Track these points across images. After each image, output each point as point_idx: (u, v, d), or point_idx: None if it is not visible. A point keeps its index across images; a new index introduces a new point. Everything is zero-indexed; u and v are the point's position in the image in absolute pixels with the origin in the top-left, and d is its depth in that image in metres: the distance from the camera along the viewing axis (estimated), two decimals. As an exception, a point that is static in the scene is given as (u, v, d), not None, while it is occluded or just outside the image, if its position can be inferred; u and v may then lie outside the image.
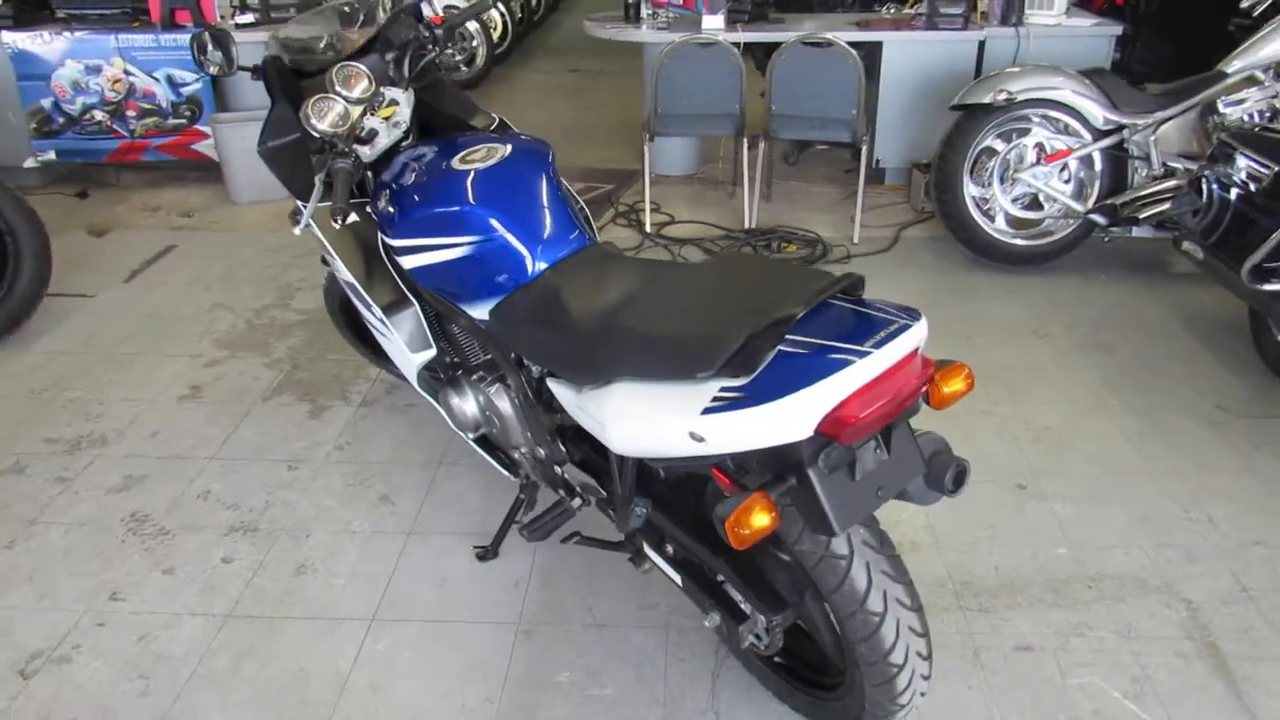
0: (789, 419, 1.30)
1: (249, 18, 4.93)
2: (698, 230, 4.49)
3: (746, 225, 4.43)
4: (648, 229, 4.46)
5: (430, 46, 2.34)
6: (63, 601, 2.25)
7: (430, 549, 2.41)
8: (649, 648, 2.10)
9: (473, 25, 7.33)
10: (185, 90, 4.85)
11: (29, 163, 4.91)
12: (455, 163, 2.04)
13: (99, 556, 2.39)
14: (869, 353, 1.31)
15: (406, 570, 2.34)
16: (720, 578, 1.80)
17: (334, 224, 1.98)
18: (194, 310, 3.67)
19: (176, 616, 2.20)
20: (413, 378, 2.30)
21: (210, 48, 2.26)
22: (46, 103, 4.81)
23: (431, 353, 2.21)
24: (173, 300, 3.78)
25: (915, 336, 1.38)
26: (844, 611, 1.55)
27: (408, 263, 2.05)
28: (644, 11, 4.94)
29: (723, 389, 1.38)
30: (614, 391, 1.56)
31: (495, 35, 8.23)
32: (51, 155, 4.92)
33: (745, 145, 4.49)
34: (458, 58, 7.34)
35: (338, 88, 2.09)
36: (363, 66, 2.16)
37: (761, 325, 1.37)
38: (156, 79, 4.80)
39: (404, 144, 2.27)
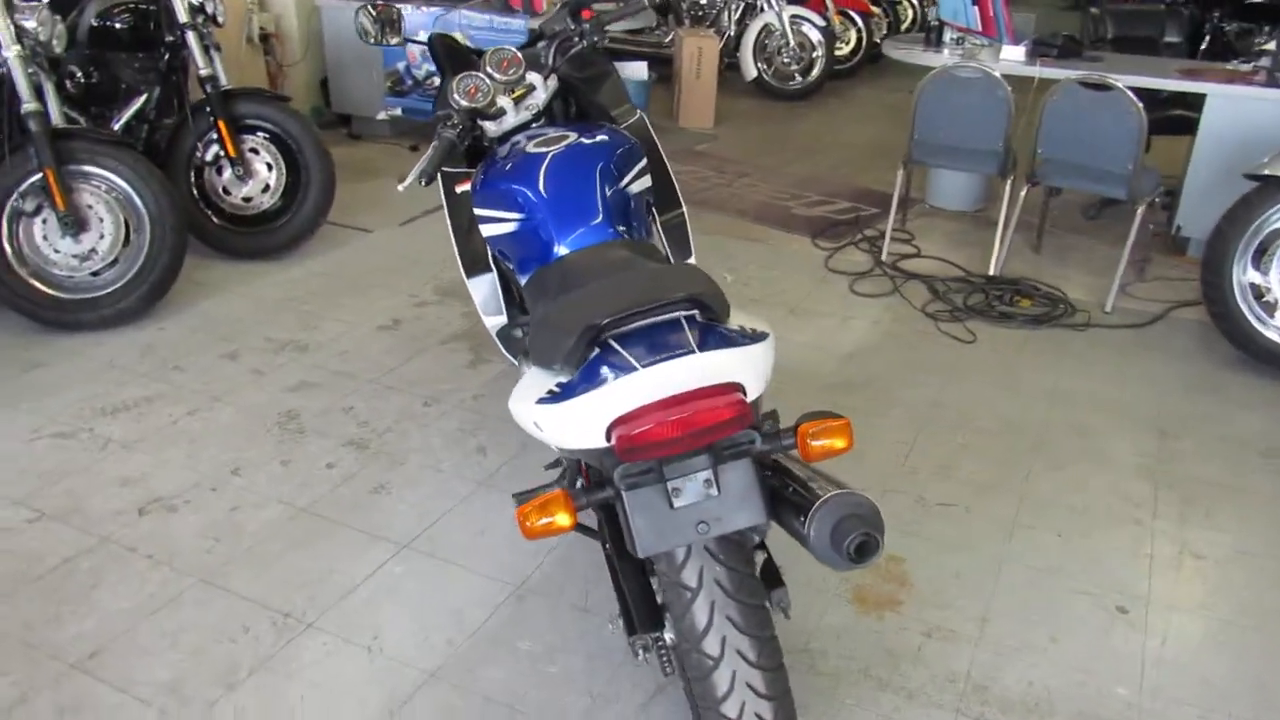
0: (572, 423, 1.29)
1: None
2: (935, 267, 4.24)
3: (990, 271, 4.11)
4: (883, 257, 4.29)
5: (577, 39, 2.49)
6: (200, 465, 2.71)
7: (489, 502, 2.59)
8: (614, 644, 2.12)
9: (814, 35, 7.36)
10: (507, 68, 5.42)
11: (380, 115, 5.76)
12: (531, 146, 2.17)
13: (246, 437, 2.84)
14: (637, 369, 1.26)
15: (458, 514, 2.54)
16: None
17: (419, 184, 2.21)
18: (436, 258, 4.14)
19: (266, 500, 2.57)
20: (494, 338, 2.48)
21: (373, 20, 2.56)
22: (401, 66, 5.61)
23: (501, 319, 2.38)
24: (426, 247, 4.29)
25: (711, 364, 1.27)
26: (683, 645, 1.49)
27: (484, 230, 2.22)
28: (946, 36, 4.71)
29: (558, 382, 1.39)
30: (526, 374, 1.62)
31: (848, 49, 8.20)
32: (398, 111, 5.74)
33: (1009, 187, 4.15)
34: (793, 66, 7.41)
35: (489, 68, 2.32)
36: (517, 52, 2.37)
37: (598, 320, 1.35)
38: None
39: (533, 125, 2.43)
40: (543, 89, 2.40)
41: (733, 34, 7.52)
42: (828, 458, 1.41)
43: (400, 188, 2.37)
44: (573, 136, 2.18)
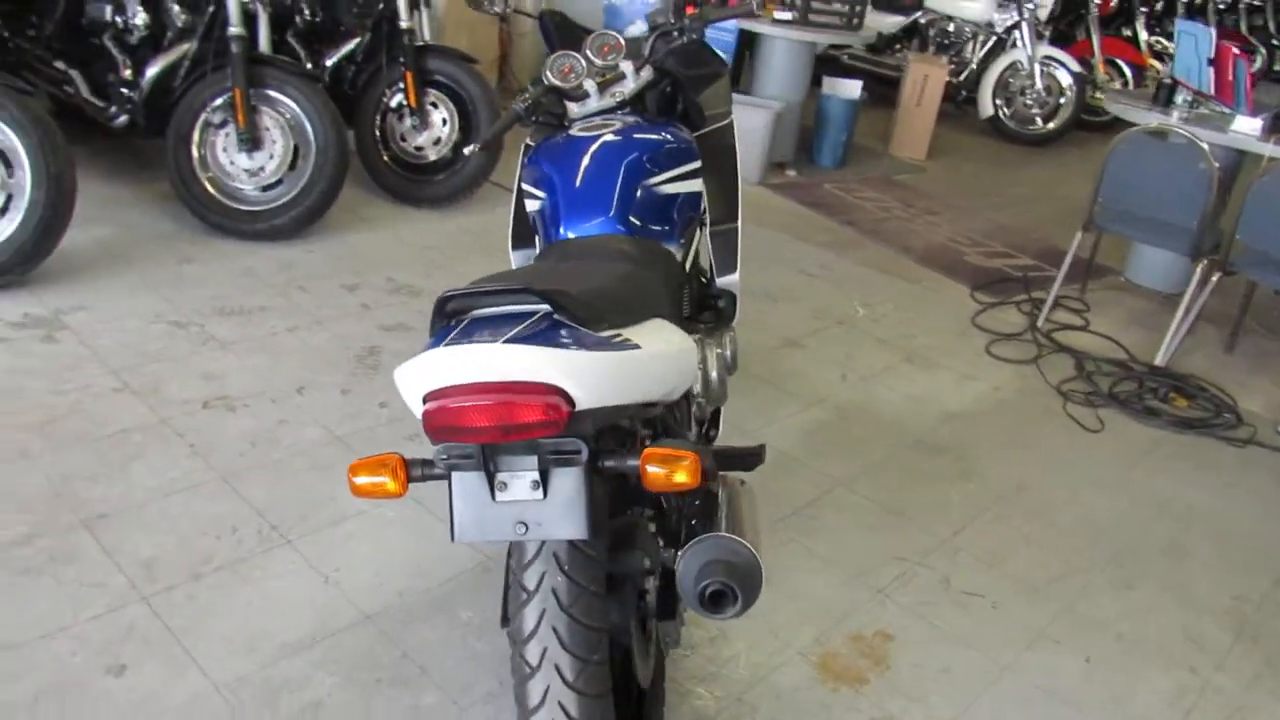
0: (401, 386, 1.26)
1: (788, 15, 5.29)
2: (1097, 345, 3.83)
3: (1156, 361, 3.67)
4: (1039, 323, 3.93)
5: (677, 34, 2.45)
6: (273, 377, 2.91)
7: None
8: (550, 638, 2.09)
9: (1065, 80, 6.82)
10: (714, 65, 5.41)
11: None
12: (578, 130, 2.16)
13: (325, 361, 3.02)
14: (440, 346, 1.21)
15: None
16: None
17: (476, 150, 2.28)
18: (579, 235, 4.21)
19: (312, 421, 2.73)
20: None
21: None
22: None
23: None
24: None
25: (512, 359, 1.19)
26: (511, 644, 1.44)
27: (526, 205, 2.24)
28: (1178, 97, 4.23)
29: None
30: None
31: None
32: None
33: (1199, 272, 3.68)
34: (1035, 110, 6.91)
35: (588, 50, 2.34)
36: (620, 39, 2.38)
37: (449, 293, 1.31)
38: (695, 49, 5.43)
39: (618, 112, 2.42)
40: (632, 78, 2.36)
41: (975, 67, 7.10)
42: (668, 489, 1.31)
43: (466, 151, 2.44)
44: (619, 126, 2.15)
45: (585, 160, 2.04)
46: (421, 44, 4.19)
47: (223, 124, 3.69)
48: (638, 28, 3.04)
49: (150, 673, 1.88)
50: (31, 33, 3.87)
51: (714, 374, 2.20)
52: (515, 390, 1.20)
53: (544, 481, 1.31)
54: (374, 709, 1.88)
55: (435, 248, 3.94)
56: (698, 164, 2.23)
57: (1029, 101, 6.91)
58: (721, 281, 2.36)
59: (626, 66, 2.34)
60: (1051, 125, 6.96)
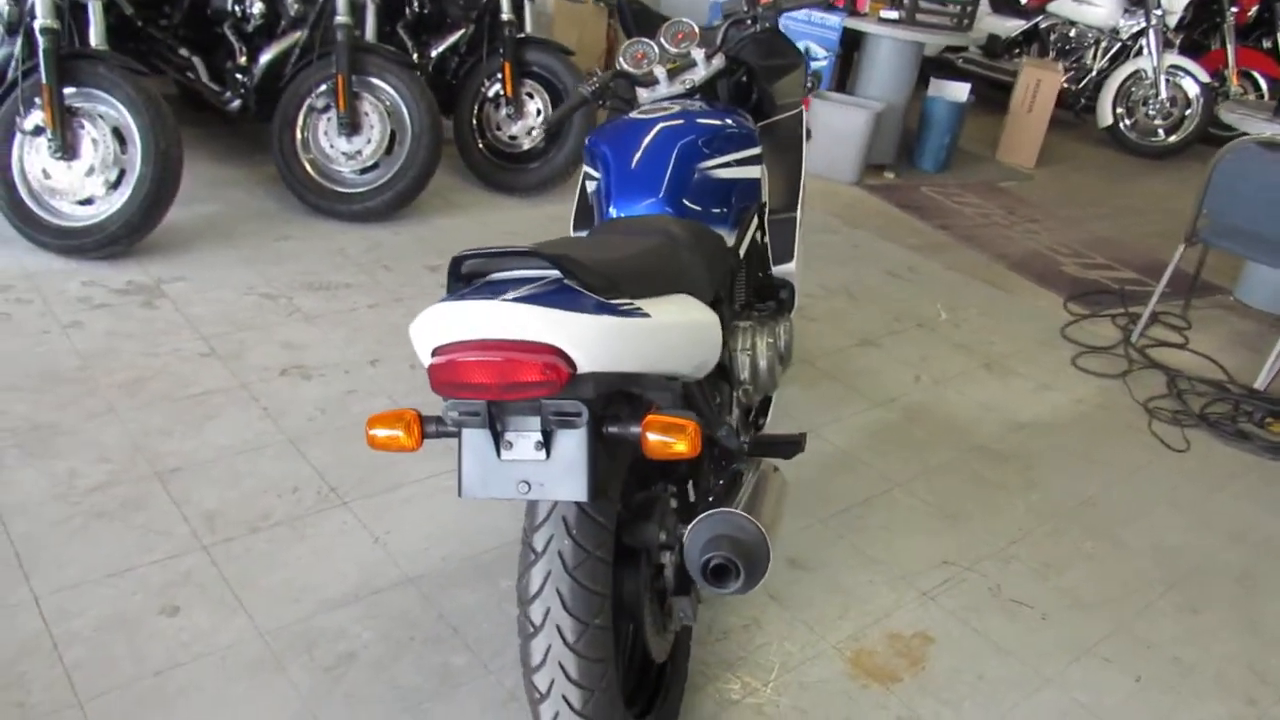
0: (414, 339, 1.31)
1: (894, 13, 5.20)
2: (1194, 365, 3.65)
3: (1256, 384, 3.47)
4: (1133, 338, 3.76)
5: (749, 22, 2.46)
6: (350, 349, 3.04)
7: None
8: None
9: (1192, 90, 6.49)
10: (815, 64, 5.36)
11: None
12: (638, 113, 2.19)
13: (399, 337, 3.13)
14: (447, 300, 1.24)
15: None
16: None
17: (541, 131, 2.34)
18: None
19: (381, 392, 2.83)
20: None
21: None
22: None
23: None
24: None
25: (512, 316, 1.21)
26: (518, 603, 1.48)
27: (587, 185, 2.29)
28: (1303, 106, 4.00)
29: None
30: None
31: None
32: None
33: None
34: (1158, 121, 6.60)
35: (662, 37, 2.38)
36: (694, 26, 2.42)
37: (463, 254, 1.35)
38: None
39: (685, 98, 2.43)
40: (703, 66, 2.38)
41: (1095, 74, 6.83)
42: (667, 457, 1.32)
43: (533, 134, 2.49)
44: (679, 110, 2.17)
45: (641, 142, 2.06)
46: (521, 36, 4.30)
47: (325, 109, 3.85)
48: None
49: (200, 615, 2.00)
50: (164, 22, 4.13)
51: (763, 362, 2.19)
52: (516, 349, 1.23)
53: (547, 442, 1.34)
54: (404, 665, 1.94)
55: (519, 234, 4.03)
56: (757, 150, 2.23)
57: (1151, 112, 6.61)
58: (778, 270, 2.35)
59: (698, 54, 2.36)
60: (1174, 138, 6.64)
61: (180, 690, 1.82)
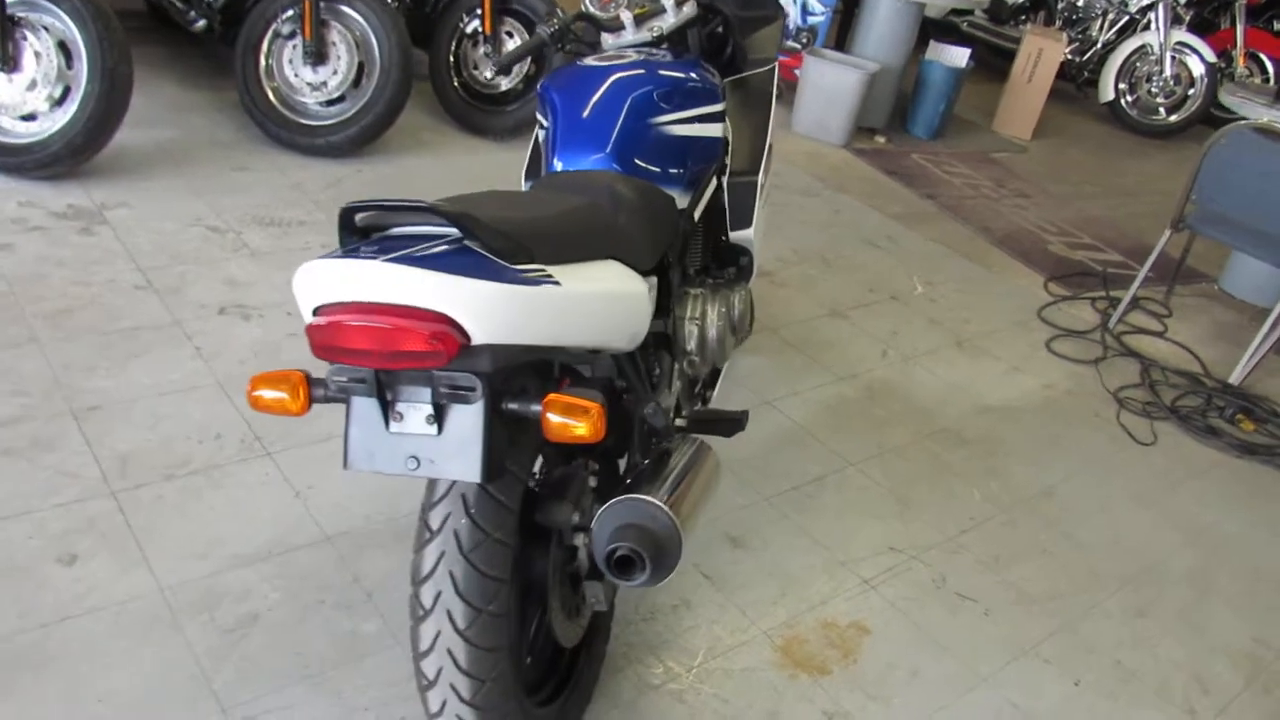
0: (296, 291, 1.18)
1: None
2: (1170, 354, 3.56)
3: (1231, 379, 3.38)
4: (1111, 323, 3.66)
5: (720, -31, 2.31)
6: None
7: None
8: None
9: (1198, 70, 6.32)
10: (811, 19, 5.18)
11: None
12: (594, 60, 2.05)
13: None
14: (329, 257, 1.13)
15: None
16: None
17: (493, 73, 2.19)
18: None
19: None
20: None
21: None
22: None
23: None
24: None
25: (396, 279, 1.10)
26: (411, 581, 1.38)
27: (538, 134, 2.15)
28: (1306, 93, 3.86)
29: None
30: None
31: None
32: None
33: (1296, 287, 3.36)
34: (1160, 99, 6.44)
35: None
36: None
37: (353, 204, 1.22)
38: (795, 1, 5.20)
39: (653, 47, 2.29)
40: (672, 12, 2.23)
41: (1100, 47, 6.65)
42: (566, 439, 1.22)
43: (485, 75, 2.34)
44: (638, 59, 2.03)
45: (593, 91, 1.93)
46: (501, -29, 4.10)
47: (291, 35, 3.67)
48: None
49: (99, 566, 1.90)
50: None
51: (712, 331, 2.08)
52: (402, 314, 1.12)
53: (439, 416, 1.23)
54: (310, 629, 1.85)
55: (486, 179, 3.87)
56: (719, 107, 2.10)
57: (1154, 89, 6.43)
58: (734, 236, 2.23)
59: (668, 0, 2.21)
60: (1175, 117, 6.48)
61: (63, 646, 1.72)
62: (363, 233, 1.25)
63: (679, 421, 1.98)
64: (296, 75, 3.71)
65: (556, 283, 1.23)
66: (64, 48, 3.10)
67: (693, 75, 2.06)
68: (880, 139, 5.29)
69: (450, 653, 1.34)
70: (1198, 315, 3.95)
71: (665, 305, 1.91)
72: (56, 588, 1.83)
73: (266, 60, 3.71)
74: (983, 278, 3.95)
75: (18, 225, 2.94)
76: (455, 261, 1.14)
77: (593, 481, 1.60)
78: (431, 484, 1.37)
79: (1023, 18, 6.92)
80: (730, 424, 2.00)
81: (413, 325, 1.11)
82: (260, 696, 1.71)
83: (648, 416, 1.63)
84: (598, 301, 1.34)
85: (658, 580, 1.35)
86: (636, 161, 1.89)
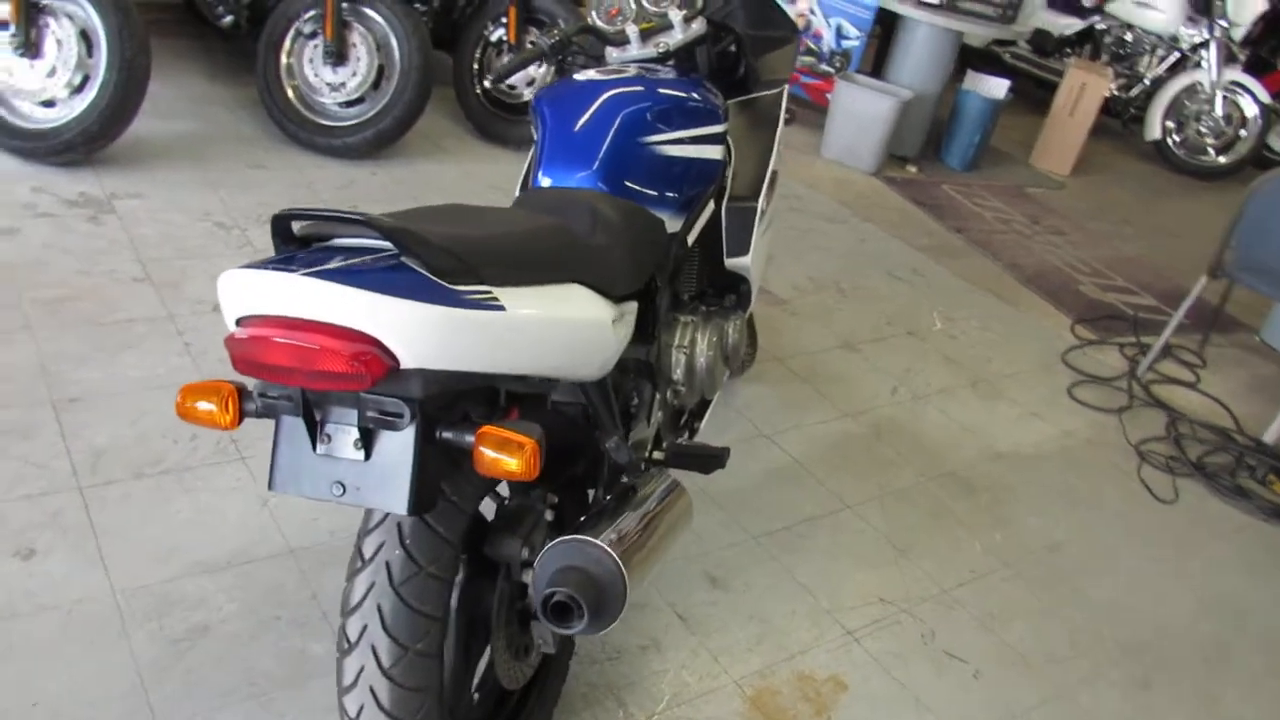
0: (221, 299, 1.12)
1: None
2: (1202, 407, 3.40)
3: (1266, 437, 3.22)
4: (1139, 371, 3.51)
5: (731, -13, 2.23)
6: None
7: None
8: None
9: (1251, 111, 6.12)
10: (845, 44, 5.08)
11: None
12: (594, 74, 1.98)
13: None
14: (251, 267, 1.06)
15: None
16: None
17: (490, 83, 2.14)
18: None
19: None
20: None
21: None
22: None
23: None
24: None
25: (316, 295, 1.04)
26: (340, 610, 1.30)
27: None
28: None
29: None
30: None
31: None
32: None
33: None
34: (1210, 139, 6.25)
35: None
36: None
37: (288, 210, 1.16)
38: (829, 25, 5.11)
39: (658, 64, 2.22)
40: (680, 29, 2.15)
41: (1148, 83, 6.47)
42: (498, 475, 1.14)
43: (486, 83, 2.28)
44: (636, 75, 1.96)
45: (585, 106, 1.86)
46: (531, -18, 4.06)
47: (313, 35, 3.65)
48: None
49: (55, 563, 1.85)
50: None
51: (701, 360, 2.00)
52: (325, 333, 1.05)
53: (367, 441, 1.15)
54: (261, 645, 1.79)
55: (501, 188, 3.83)
56: (719, 128, 2.02)
57: (1204, 129, 6.25)
58: (730, 263, 2.14)
59: (675, 15, 2.14)
60: (1224, 159, 6.28)
61: (10, 644, 1.67)
62: (303, 242, 1.19)
63: (657, 455, 1.89)
64: (316, 75, 3.68)
65: (500, 306, 1.16)
66: (85, 36, 3.10)
67: (693, 94, 1.99)
68: (912, 168, 5.17)
69: (373, 690, 1.26)
70: (1234, 367, 3.79)
71: (650, 332, 1.83)
72: (10, 583, 1.78)
73: (288, 59, 3.69)
74: (1007, 316, 3.82)
75: (27, 210, 2.93)
76: (386, 279, 1.07)
77: (550, 515, 1.52)
78: (367, 512, 1.30)
79: (1068, 50, 6.77)
80: (710, 460, 1.90)
81: (335, 345, 1.04)
82: (198, 713, 1.64)
83: (610, 451, 1.54)
84: (548, 328, 1.26)
85: (597, 629, 1.27)
86: (624, 181, 1.81)
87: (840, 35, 5.09)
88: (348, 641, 1.28)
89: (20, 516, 1.93)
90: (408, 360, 1.07)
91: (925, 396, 3.11)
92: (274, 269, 1.06)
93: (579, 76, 1.96)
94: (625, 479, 1.64)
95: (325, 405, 1.16)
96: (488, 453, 1.13)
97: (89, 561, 1.87)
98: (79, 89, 3.13)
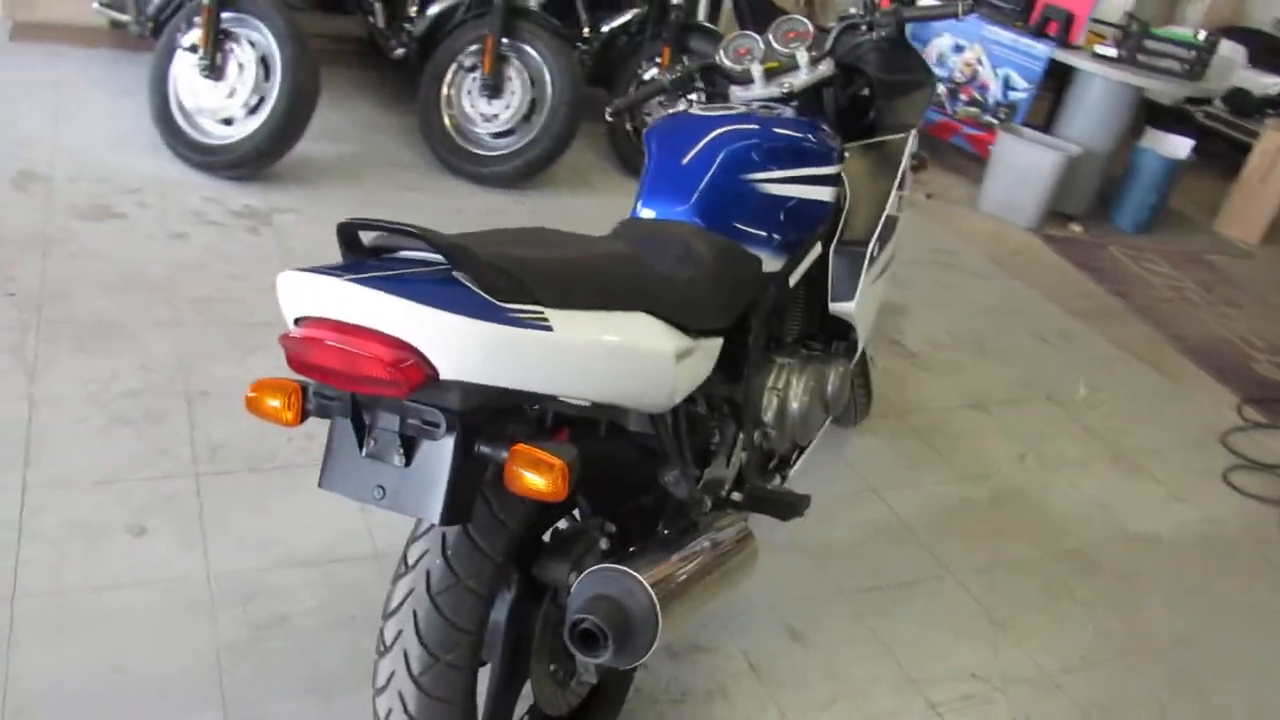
0: (280, 298, 1.18)
1: (1111, 50, 4.66)
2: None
3: None
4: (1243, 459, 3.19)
5: (864, 29, 2.20)
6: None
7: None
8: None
9: None
10: (1012, 95, 4.89)
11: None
12: (707, 109, 1.98)
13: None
14: (312, 272, 1.10)
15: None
16: None
17: (609, 114, 2.20)
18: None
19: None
20: None
21: None
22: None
23: None
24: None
25: (361, 301, 1.07)
26: (383, 612, 1.33)
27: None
28: None
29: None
30: None
31: None
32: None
33: None
34: None
35: (771, 34, 2.17)
36: (809, 26, 2.20)
37: (355, 219, 1.20)
38: (997, 75, 4.94)
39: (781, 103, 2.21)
40: (805, 70, 2.13)
41: (1360, 152, 5.91)
42: (526, 493, 1.14)
43: (607, 115, 2.33)
44: (748, 113, 1.95)
45: (692, 140, 1.86)
46: (686, 23, 4.13)
47: (473, 68, 3.83)
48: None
49: (162, 542, 1.98)
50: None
51: (795, 405, 1.95)
52: (370, 338, 1.08)
53: (408, 448, 1.18)
54: (333, 641, 1.85)
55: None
56: (831, 170, 1.98)
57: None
58: (834, 308, 2.08)
59: (802, 57, 2.12)
60: None
61: (109, 612, 1.80)
62: (372, 252, 1.24)
63: (735, 496, 1.85)
64: (473, 106, 3.85)
65: (548, 327, 1.16)
66: (265, 62, 3.36)
67: (806, 134, 1.96)
68: (1076, 226, 4.91)
69: (401, 695, 1.28)
70: None
71: (740, 371, 1.80)
72: (120, 556, 1.92)
73: (448, 90, 3.88)
74: (1161, 389, 3.55)
75: (197, 217, 3.19)
76: (431, 290, 1.10)
77: (606, 544, 1.51)
78: (418, 519, 1.33)
79: (1269, 111, 6.28)
80: (787, 507, 1.85)
81: (377, 350, 1.07)
82: (264, 701, 1.71)
83: (668, 484, 1.52)
84: (598, 352, 1.26)
85: (624, 663, 1.25)
86: (722, 217, 1.79)
87: (1008, 86, 4.91)
88: (384, 644, 1.30)
89: (140, 496, 2.07)
90: (447, 371, 1.09)
91: (1056, 467, 2.92)
92: (327, 273, 1.10)
93: (695, 111, 1.97)
94: (692, 516, 1.61)
95: (373, 410, 1.19)
96: (518, 470, 1.13)
97: (191, 544, 1.99)
98: (254, 109, 3.39)
